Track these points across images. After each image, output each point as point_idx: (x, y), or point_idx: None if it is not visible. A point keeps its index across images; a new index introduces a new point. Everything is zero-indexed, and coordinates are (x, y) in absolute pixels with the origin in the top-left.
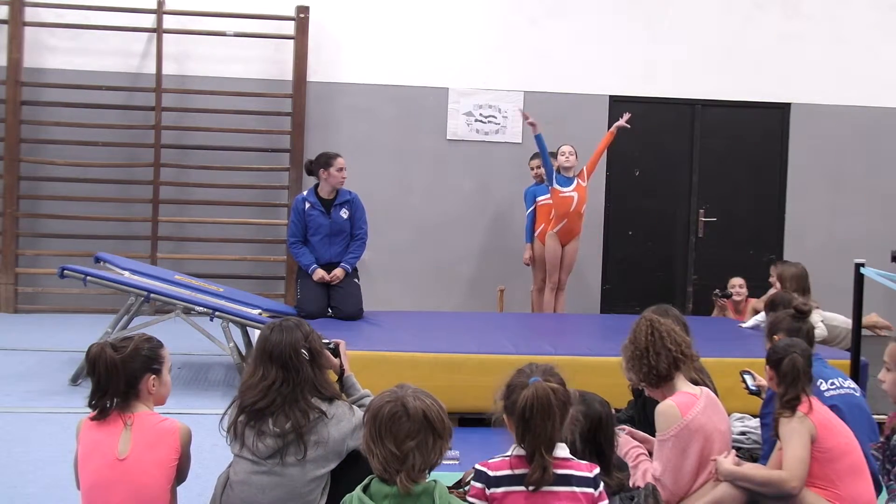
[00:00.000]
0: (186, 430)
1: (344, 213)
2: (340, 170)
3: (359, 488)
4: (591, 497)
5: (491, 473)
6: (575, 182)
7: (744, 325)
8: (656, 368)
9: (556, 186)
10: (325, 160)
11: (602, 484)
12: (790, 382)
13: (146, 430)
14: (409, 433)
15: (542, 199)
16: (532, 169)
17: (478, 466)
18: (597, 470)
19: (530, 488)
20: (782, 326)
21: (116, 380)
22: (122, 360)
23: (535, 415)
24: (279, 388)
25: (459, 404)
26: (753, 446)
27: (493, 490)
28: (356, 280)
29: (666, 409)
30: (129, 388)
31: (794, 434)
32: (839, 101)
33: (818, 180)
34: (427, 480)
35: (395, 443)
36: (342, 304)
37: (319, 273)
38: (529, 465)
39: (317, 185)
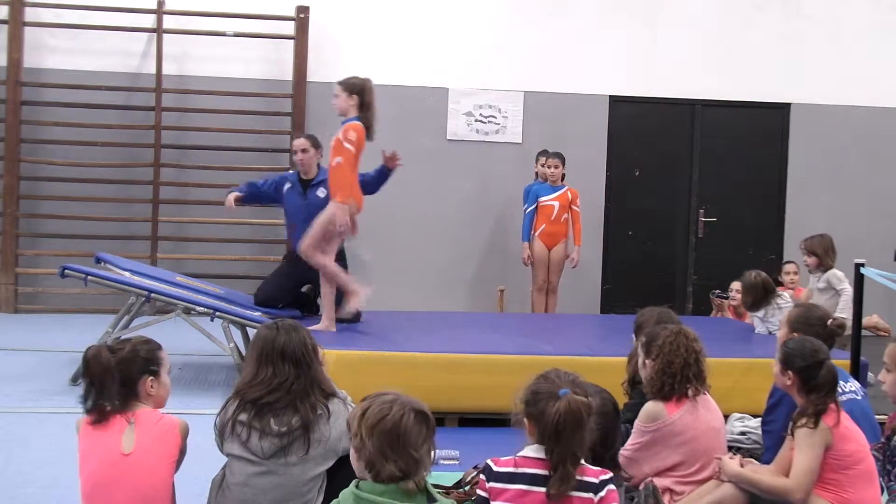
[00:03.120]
0: (185, 425)
1: (321, 193)
2: (296, 152)
3: (352, 485)
4: (589, 502)
5: (494, 468)
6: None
7: (757, 331)
8: (668, 388)
9: None
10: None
11: (608, 488)
12: (826, 392)
13: (149, 426)
14: (424, 438)
15: (545, 199)
16: (543, 167)
17: (487, 461)
18: (605, 476)
19: (551, 493)
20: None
21: (111, 382)
22: (117, 361)
23: (567, 428)
24: (291, 385)
25: (459, 404)
26: (753, 446)
27: (492, 484)
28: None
29: (653, 407)
30: (127, 389)
31: (809, 443)
32: (839, 101)
33: (818, 180)
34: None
35: (415, 448)
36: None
37: (231, 198)
38: (552, 475)
39: None
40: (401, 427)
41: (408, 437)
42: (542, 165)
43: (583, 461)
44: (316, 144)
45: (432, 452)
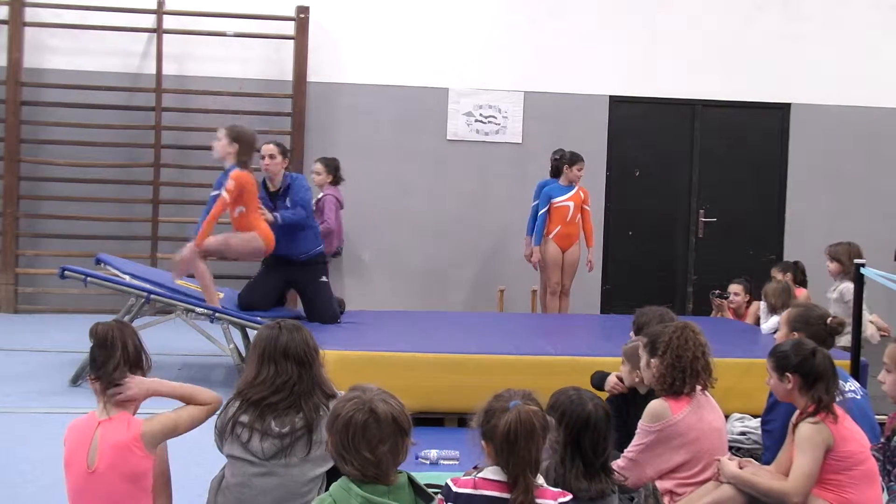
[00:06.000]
0: (147, 429)
1: (288, 202)
2: (263, 157)
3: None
4: None
5: (454, 489)
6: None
7: (764, 330)
8: (679, 383)
9: None
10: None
11: None
12: (829, 379)
13: (110, 441)
14: (381, 439)
15: (559, 200)
16: (579, 171)
17: (447, 480)
18: (564, 499)
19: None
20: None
21: (143, 354)
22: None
23: (519, 438)
24: (294, 385)
25: (459, 404)
26: (753, 446)
27: None
28: (322, 279)
29: (657, 406)
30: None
31: (810, 445)
32: (839, 101)
33: (818, 180)
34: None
35: (370, 449)
36: (309, 313)
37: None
38: (511, 488)
39: None
40: (350, 427)
41: (358, 437)
42: (579, 170)
43: (543, 483)
44: (284, 153)
45: (400, 453)
